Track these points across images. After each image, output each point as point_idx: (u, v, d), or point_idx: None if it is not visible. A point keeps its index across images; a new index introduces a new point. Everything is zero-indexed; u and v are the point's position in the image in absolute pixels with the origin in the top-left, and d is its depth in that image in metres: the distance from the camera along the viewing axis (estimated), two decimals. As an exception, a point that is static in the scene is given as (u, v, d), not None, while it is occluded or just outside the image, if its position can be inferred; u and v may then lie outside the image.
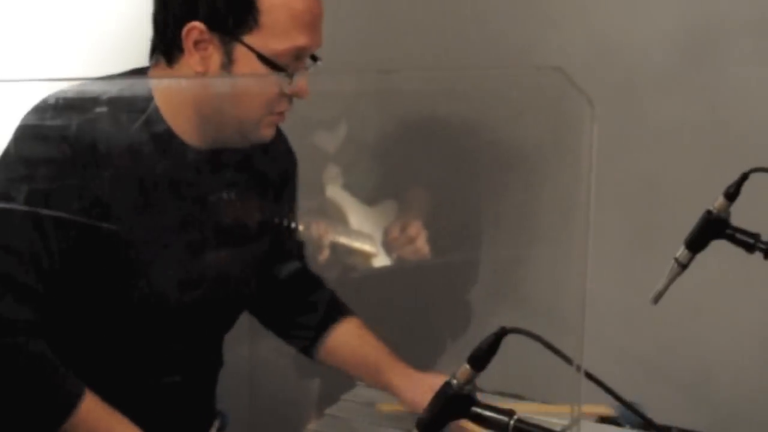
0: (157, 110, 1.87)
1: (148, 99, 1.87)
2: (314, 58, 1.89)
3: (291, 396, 2.20)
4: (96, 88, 1.85)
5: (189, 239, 1.92)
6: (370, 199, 3.03)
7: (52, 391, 1.82)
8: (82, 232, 1.81)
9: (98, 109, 1.82)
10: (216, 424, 2.03)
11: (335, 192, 3.00)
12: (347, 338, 2.14)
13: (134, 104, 1.86)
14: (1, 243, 1.79)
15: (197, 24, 1.81)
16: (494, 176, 2.97)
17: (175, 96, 1.88)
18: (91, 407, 1.82)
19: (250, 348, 2.26)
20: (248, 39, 1.81)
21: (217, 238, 1.96)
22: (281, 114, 1.89)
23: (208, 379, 2.10)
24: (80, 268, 1.83)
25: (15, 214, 1.78)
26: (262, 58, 1.81)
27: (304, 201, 2.93)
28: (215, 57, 1.82)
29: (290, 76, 1.84)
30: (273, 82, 1.85)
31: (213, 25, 1.81)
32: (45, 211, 1.78)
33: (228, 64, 1.82)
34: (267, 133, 1.90)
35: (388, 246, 2.97)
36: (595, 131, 1.37)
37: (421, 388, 1.99)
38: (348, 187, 3.01)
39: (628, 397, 1.96)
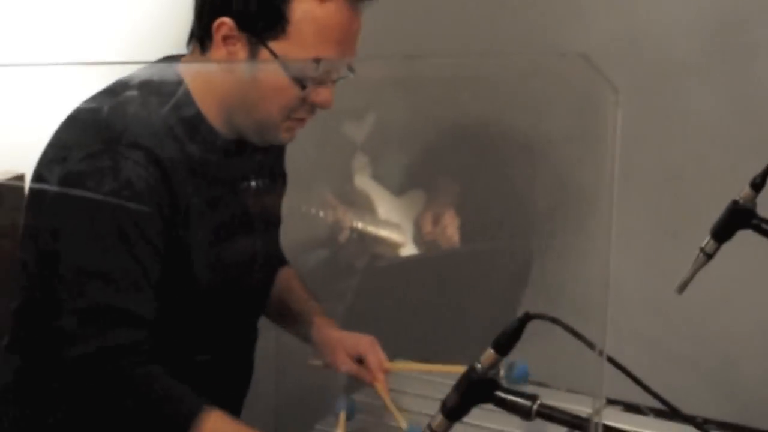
0: (194, 102, 1.89)
1: (187, 91, 1.89)
2: (350, 69, 1.90)
3: (317, 382, 2.21)
4: (152, 72, 1.88)
5: (239, 223, 1.96)
6: (396, 188, 3.04)
7: (168, 411, 1.81)
8: (167, 238, 1.84)
9: (141, 99, 1.83)
10: (342, 412, 2.04)
11: (363, 182, 3.02)
12: (277, 286, 2.15)
13: (173, 95, 1.88)
14: (98, 271, 1.79)
15: (227, 20, 1.83)
16: (519, 163, 2.97)
17: (205, 85, 1.91)
18: (213, 424, 1.79)
19: (276, 334, 2.28)
20: (274, 45, 1.82)
21: (260, 220, 2.01)
22: (302, 120, 1.91)
23: (247, 355, 2.13)
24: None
25: (101, 235, 1.79)
26: (284, 67, 1.83)
27: (333, 190, 2.95)
28: (241, 55, 1.84)
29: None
30: (291, 84, 1.85)
31: (243, 25, 1.83)
32: (131, 206, 1.78)
33: None
34: (285, 137, 1.93)
35: (423, 239, 2.98)
36: (620, 118, 1.37)
37: (339, 350, 2.08)
38: (376, 176, 3.03)
39: (651, 385, 1.97)
